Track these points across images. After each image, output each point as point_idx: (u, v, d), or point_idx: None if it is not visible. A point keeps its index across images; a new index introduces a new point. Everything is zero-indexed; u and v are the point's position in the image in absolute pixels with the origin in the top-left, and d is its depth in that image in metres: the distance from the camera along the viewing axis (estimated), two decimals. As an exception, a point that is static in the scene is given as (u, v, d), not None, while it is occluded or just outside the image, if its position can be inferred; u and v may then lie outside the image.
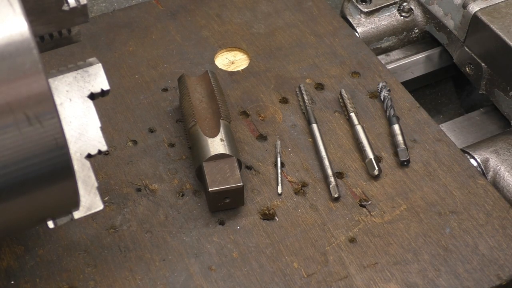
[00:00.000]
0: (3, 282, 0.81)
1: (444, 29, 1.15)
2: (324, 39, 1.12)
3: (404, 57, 1.22)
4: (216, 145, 0.88)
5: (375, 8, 1.19)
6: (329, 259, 0.84)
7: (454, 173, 0.92)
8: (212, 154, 0.87)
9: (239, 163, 0.89)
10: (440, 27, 1.16)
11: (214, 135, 0.89)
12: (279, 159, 0.93)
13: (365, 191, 0.90)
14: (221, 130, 0.89)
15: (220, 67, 1.08)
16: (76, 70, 0.67)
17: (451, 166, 0.93)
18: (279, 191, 0.90)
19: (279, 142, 0.95)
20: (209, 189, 0.84)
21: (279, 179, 0.91)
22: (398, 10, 1.21)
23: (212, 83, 0.96)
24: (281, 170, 0.92)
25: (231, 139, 0.90)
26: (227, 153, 0.87)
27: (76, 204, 0.65)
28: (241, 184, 0.85)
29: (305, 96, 1.01)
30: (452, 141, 0.97)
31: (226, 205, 0.87)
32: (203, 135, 0.89)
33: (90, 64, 0.68)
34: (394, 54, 1.23)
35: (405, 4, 1.20)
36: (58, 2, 0.65)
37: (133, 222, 0.87)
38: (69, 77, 0.67)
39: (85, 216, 0.68)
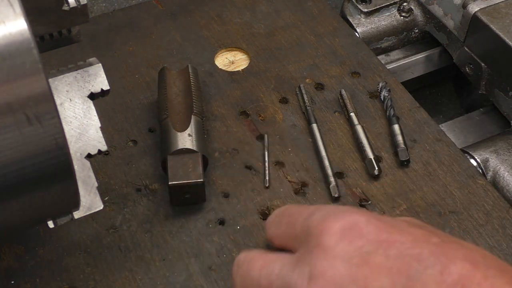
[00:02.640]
0: (3, 282, 0.81)
1: (444, 29, 1.15)
2: (324, 39, 1.12)
3: (404, 57, 1.22)
4: (183, 139, 0.87)
5: (375, 8, 1.19)
6: (329, 259, 0.83)
7: (454, 173, 0.92)
8: (178, 148, 0.86)
9: (205, 160, 0.88)
10: (440, 27, 1.16)
11: (183, 129, 0.89)
12: (266, 153, 0.93)
13: (365, 191, 0.90)
14: (192, 125, 0.89)
15: (220, 67, 1.08)
16: (76, 70, 0.67)
17: (451, 166, 0.93)
18: (266, 184, 0.90)
19: (266, 136, 0.96)
20: (169, 183, 0.84)
21: (267, 172, 0.91)
22: (398, 10, 1.21)
23: (191, 79, 0.95)
24: (268, 165, 0.93)
25: (201, 136, 0.90)
26: (193, 148, 0.87)
27: (76, 204, 0.65)
28: (202, 180, 0.84)
29: (305, 96, 1.01)
30: (452, 141, 0.97)
31: (187, 200, 0.87)
32: (172, 129, 0.89)
33: (90, 64, 0.68)
34: (394, 54, 1.22)
35: (405, 4, 1.20)
36: (58, 2, 0.65)
37: (133, 222, 0.87)
38: (69, 77, 0.67)
39: (85, 216, 0.68)
